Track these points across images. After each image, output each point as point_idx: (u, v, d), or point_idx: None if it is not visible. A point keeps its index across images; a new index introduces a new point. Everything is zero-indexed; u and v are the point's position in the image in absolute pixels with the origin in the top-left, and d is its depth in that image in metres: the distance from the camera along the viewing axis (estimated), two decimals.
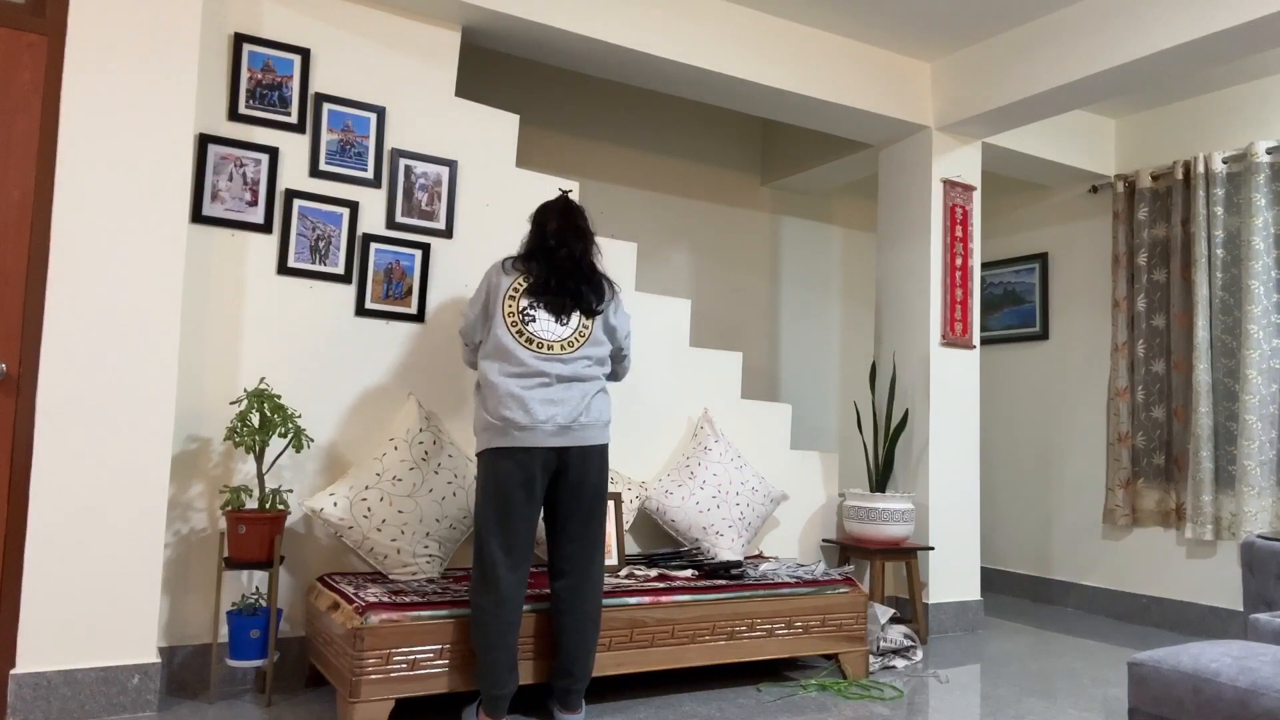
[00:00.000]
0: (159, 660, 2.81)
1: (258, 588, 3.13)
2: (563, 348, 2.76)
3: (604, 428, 2.80)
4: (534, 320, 2.77)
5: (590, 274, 2.87)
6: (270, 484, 3.11)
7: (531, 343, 2.74)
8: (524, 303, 2.78)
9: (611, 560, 3.44)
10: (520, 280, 2.81)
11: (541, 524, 3.09)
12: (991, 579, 5.64)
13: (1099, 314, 5.21)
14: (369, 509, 3.04)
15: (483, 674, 2.63)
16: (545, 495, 2.76)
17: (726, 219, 5.39)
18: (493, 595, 2.62)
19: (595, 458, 2.77)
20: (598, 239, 2.98)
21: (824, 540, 4.30)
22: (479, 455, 2.75)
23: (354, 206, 3.34)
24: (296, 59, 3.27)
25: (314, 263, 3.27)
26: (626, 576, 3.30)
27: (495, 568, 2.63)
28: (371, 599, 2.73)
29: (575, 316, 2.80)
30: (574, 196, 3.08)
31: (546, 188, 3.70)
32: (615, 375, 3.06)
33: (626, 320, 2.97)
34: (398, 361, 3.40)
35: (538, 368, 2.71)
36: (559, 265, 2.81)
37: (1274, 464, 4.33)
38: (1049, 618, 4.90)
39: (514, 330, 2.75)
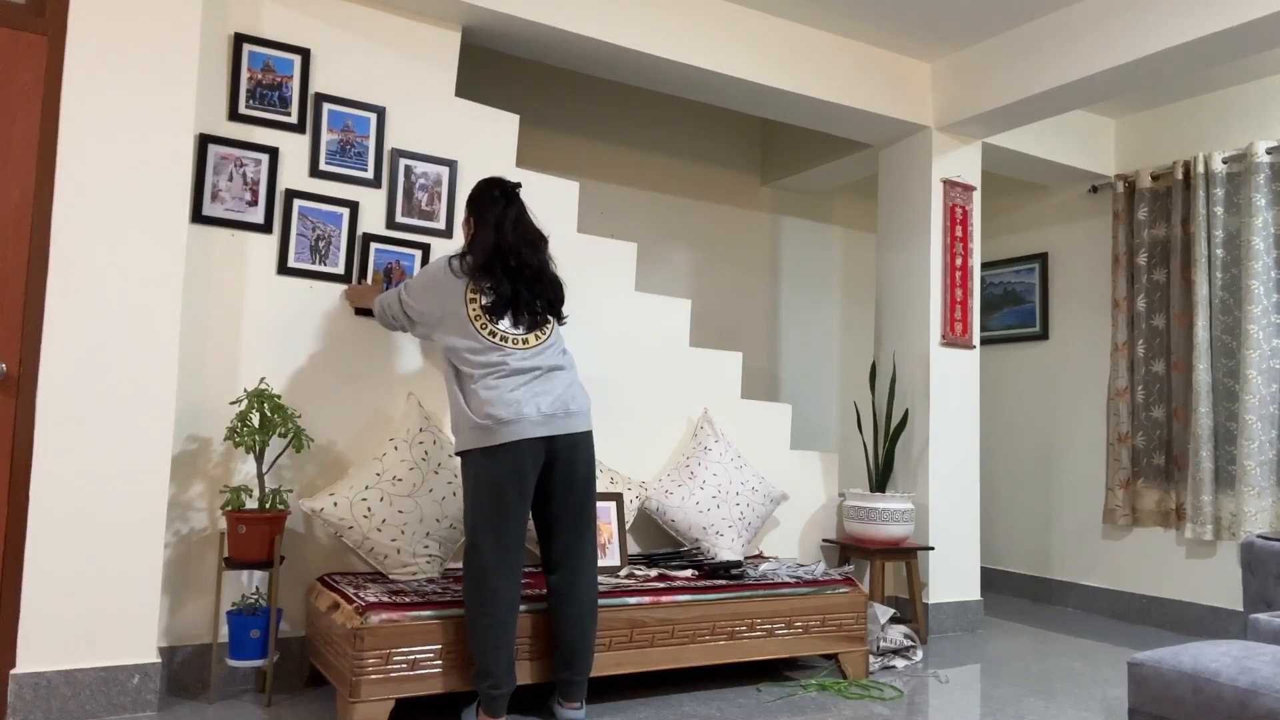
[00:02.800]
0: (159, 660, 2.81)
1: (258, 588, 3.13)
2: (535, 339, 2.78)
3: (588, 415, 2.81)
4: (500, 319, 2.75)
5: (552, 284, 2.87)
6: (270, 484, 3.11)
7: (506, 340, 2.73)
8: (485, 301, 2.75)
9: (614, 560, 3.44)
10: (474, 287, 2.76)
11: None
12: (991, 579, 5.64)
13: (1099, 314, 5.21)
14: (369, 509, 3.04)
15: (481, 675, 2.62)
16: (536, 490, 2.75)
17: (726, 219, 5.39)
18: (489, 598, 2.61)
19: (583, 446, 2.77)
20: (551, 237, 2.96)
21: (824, 540, 4.30)
22: (464, 455, 2.71)
23: (354, 206, 3.34)
24: (296, 59, 3.27)
25: (314, 263, 3.27)
26: (626, 576, 3.30)
27: (490, 571, 2.62)
28: (371, 599, 2.73)
29: (537, 316, 2.82)
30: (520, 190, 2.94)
31: (547, 188, 3.70)
32: None
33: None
34: (398, 361, 3.40)
35: (518, 365, 2.70)
36: (524, 282, 2.79)
37: (1274, 464, 4.33)
38: (1049, 618, 4.90)
39: (484, 331, 2.72)
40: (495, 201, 2.83)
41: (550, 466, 2.73)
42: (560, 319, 2.91)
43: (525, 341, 2.76)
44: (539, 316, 2.81)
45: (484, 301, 2.75)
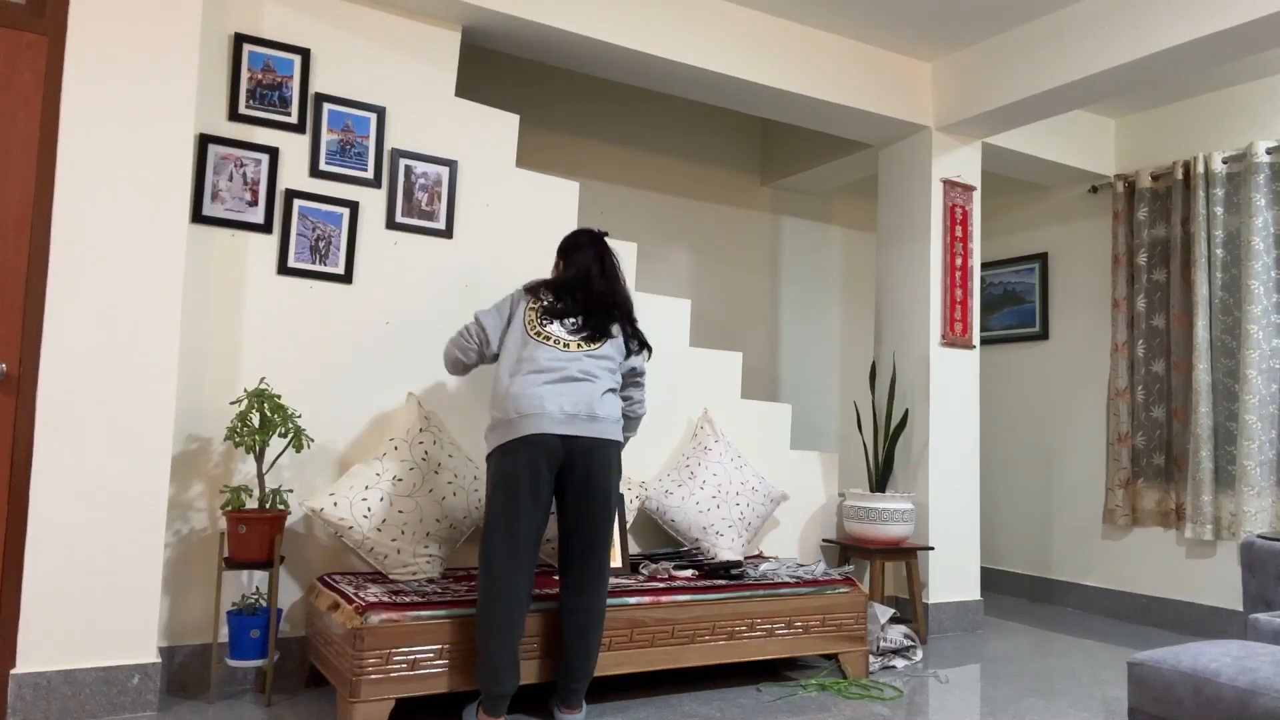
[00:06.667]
0: (159, 660, 2.81)
1: (258, 588, 3.13)
2: (577, 345, 2.81)
3: (615, 424, 2.78)
4: (550, 322, 2.84)
5: (627, 314, 2.95)
6: (270, 484, 3.11)
7: (549, 340, 2.79)
8: (545, 304, 2.87)
9: (615, 563, 3.43)
10: (537, 299, 2.90)
11: (552, 522, 3.12)
12: (991, 579, 5.64)
13: (1099, 314, 5.21)
14: (369, 509, 3.04)
15: (483, 671, 2.63)
16: (555, 492, 2.75)
17: (726, 219, 5.39)
18: (493, 592, 2.62)
19: (602, 453, 2.73)
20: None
21: (824, 540, 4.30)
22: (488, 457, 2.75)
23: (354, 206, 3.34)
24: (296, 59, 3.27)
25: (314, 263, 3.27)
26: (647, 578, 3.30)
27: (497, 565, 2.63)
28: (371, 599, 2.73)
29: (595, 330, 2.86)
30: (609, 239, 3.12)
31: (546, 188, 3.71)
32: (630, 399, 3.08)
33: (644, 363, 3.06)
34: (398, 362, 3.39)
35: (549, 364, 2.74)
36: (598, 303, 2.89)
37: (1274, 464, 4.33)
38: (1049, 618, 4.90)
39: (531, 331, 2.81)
40: (584, 247, 2.99)
41: (569, 469, 2.71)
42: (633, 348, 2.95)
43: (567, 345, 2.80)
44: (602, 331, 2.86)
45: (544, 304, 2.86)
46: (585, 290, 2.90)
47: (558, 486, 2.74)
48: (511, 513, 2.65)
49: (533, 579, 2.70)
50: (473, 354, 2.96)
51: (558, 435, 2.67)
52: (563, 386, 2.72)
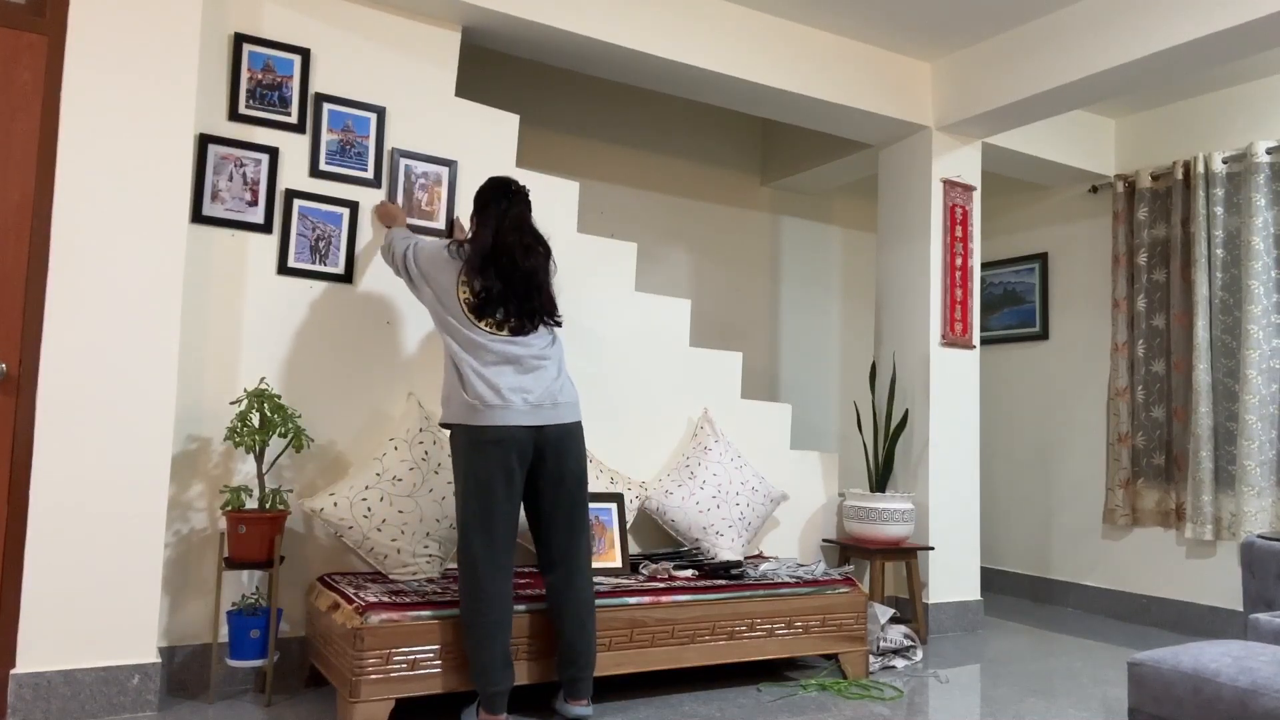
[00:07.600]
0: (159, 660, 2.81)
1: (258, 588, 3.13)
2: (520, 330, 2.77)
3: (576, 406, 2.82)
4: (486, 305, 2.75)
5: (542, 291, 2.82)
6: (270, 484, 3.11)
7: (490, 327, 2.75)
8: (470, 296, 2.77)
9: (615, 563, 3.43)
10: (466, 276, 2.78)
11: (523, 519, 3.10)
12: (991, 579, 5.64)
13: (1099, 314, 5.21)
14: (369, 509, 3.04)
15: (477, 672, 2.63)
16: (526, 487, 2.76)
17: (726, 219, 5.39)
18: (480, 595, 2.63)
19: (571, 439, 2.78)
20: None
21: (824, 540, 4.30)
22: (451, 434, 2.74)
23: (354, 206, 3.34)
24: (296, 59, 3.27)
25: (314, 263, 3.27)
26: (647, 578, 3.30)
27: (480, 567, 2.64)
28: (371, 599, 2.73)
29: (523, 323, 2.79)
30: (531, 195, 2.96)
31: (546, 187, 3.70)
32: None
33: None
34: (398, 361, 3.39)
35: (502, 351, 2.72)
36: (515, 286, 2.77)
37: (1274, 464, 4.33)
38: (1049, 618, 4.90)
39: (470, 314, 2.75)
40: (498, 202, 2.83)
41: (539, 460, 2.74)
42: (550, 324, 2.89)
43: (501, 326, 2.76)
44: (525, 322, 2.78)
45: (468, 295, 2.77)
46: (509, 271, 2.75)
47: (529, 478, 2.76)
48: (488, 514, 2.66)
49: (512, 574, 2.71)
50: (391, 269, 3.06)
51: (525, 428, 2.69)
52: (525, 379, 2.73)
